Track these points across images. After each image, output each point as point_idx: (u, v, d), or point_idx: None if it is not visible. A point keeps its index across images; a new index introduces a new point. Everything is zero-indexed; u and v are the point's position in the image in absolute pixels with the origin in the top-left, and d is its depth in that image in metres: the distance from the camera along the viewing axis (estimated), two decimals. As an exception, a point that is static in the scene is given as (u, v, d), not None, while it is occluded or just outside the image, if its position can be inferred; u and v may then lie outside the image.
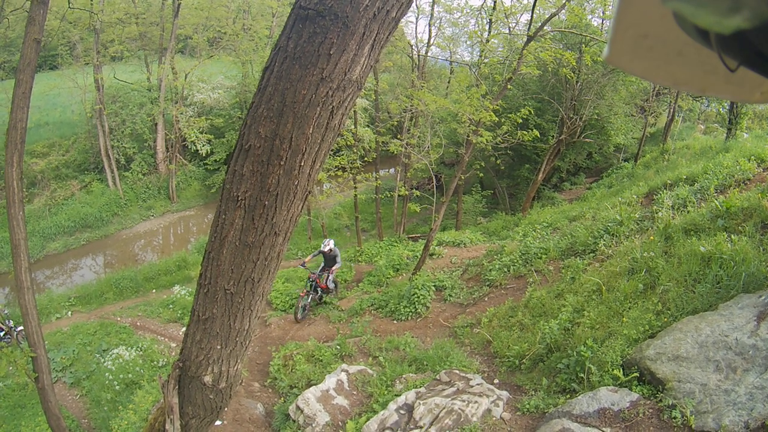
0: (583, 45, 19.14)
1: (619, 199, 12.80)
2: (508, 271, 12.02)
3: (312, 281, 13.79)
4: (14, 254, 5.99)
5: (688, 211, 9.22)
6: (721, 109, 25.65)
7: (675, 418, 5.66)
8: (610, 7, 21.04)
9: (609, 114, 22.65)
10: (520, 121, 15.51)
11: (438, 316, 11.87)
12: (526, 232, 15.16)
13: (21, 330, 13.73)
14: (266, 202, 2.77)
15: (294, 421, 7.81)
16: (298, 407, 7.80)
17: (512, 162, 24.77)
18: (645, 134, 23.42)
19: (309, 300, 13.84)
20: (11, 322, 14.97)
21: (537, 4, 15.31)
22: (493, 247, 14.60)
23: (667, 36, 0.73)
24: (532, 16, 15.35)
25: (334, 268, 14.09)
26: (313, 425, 7.40)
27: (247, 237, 2.91)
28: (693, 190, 10.24)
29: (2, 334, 14.72)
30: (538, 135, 16.56)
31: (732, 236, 7.60)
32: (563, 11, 16.53)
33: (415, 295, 12.41)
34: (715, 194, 9.41)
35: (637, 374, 6.36)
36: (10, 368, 7.08)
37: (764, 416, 5.35)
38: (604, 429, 5.83)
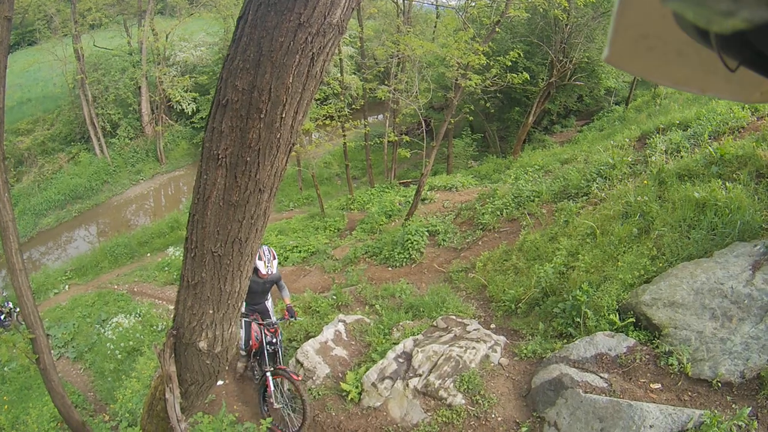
0: None
1: (611, 142, 12.64)
2: (501, 214, 12.00)
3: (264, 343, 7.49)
4: (3, 237, 5.85)
5: (682, 157, 9.14)
6: None
7: (672, 365, 5.70)
8: None
9: (600, 57, 22.16)
10: (509, 64, 15.30)
11: (432, 261, 11.88)
12: (517, 175, 15.09)
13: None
14: (248, 159, 2.64)
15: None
16: (297, 360, 7.83)
17: (502, 105, 24.54)
18: (636, 78, 23.12)
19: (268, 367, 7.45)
20: (11, 304, 14.94)
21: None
22: (485, 190, 14.55)
23: (667, 36, 0.72)
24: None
25: (284, 295, 7.86)
26: (314, 378, 7.44)
27: (231, 196, 2.78)
28: (686, 136, 10.14)
29: (2, 317, 14.68)
30: (528, 78, 16.37)
31: (726, 184, 7.55)
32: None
33: (409, 241, 12.41)
34: (709, 141, 9.32)
35: (633, 319, 6.38)
36: (13, 351, 7.04)
37: (760, 367, 5.37)
38: (601, 374, 5.87)
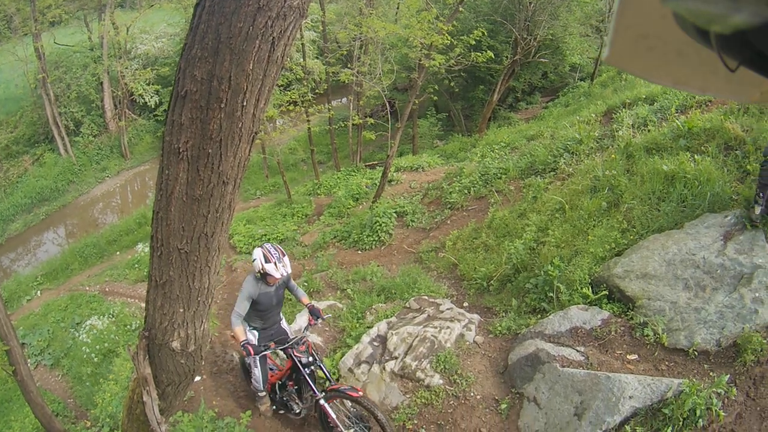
0: None
1: (577, 117, 12.70)
2: (469, 192, 11.94)
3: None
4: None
5: (649, 131, 9.18)
6: None
7: (647, 335, 5.76)
8: None
9: (564, 34, 22.35)
10: (473, 42, 15.24)
11: (402, 242, 11.83)
12: (484, 153, 15.07)
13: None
14: (210, 151, 2.55)
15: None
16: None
17: (466, 84, 24.48)
18: (600, 54, 23.21)
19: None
20: None
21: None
22: (452, 169, 14.51)
23: (667, 36, 0.72)
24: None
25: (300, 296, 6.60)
26: None
27: (194, 190, 2.69)
28: (653, 110, 10.19)
29: None
30: (492, 56, 16.37)
31: (695, 156, 7.62)
32: None
33: (377, 223, 12.32)
34: (676, 114, 9.37)
35: (606, 292, 6.43)
36: (-11, 365, 6.76)
37: (735, 335, 5.46)
38: (578, 348, 5.92)
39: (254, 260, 5.85)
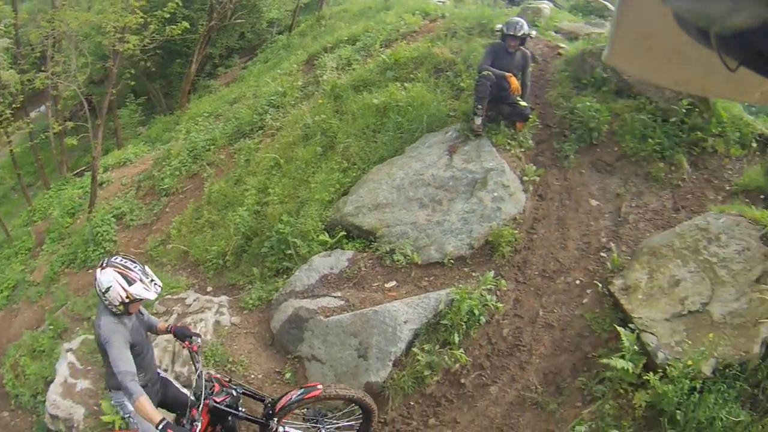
0: None
1: (278, 71, 12.61)
2: (181, 173, 11.18)
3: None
4: None
5: (354, 69, 9.35)
6: None
7: (398, 260, 5.97)
8: None
9: None
10: (168, 16, 14.21)
11: (128, 246, 10.80)
12: (188, 129, 14.13)
13: None
14: None
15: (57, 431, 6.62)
16: (50, 415, 6.54)
17: (163, 61, 22.83)
18: (299, 4, 23.28)
19: None
20: None
21: None
22: (159, 153, 13.52)
23: (667, 36, 0.74)
24: None
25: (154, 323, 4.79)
26: (75, 425, 6.34)
27: None
28: (356, 49, 10.38)
29: None
30: (188, 26, 15.44)
31: (405, 85, 7.91)
32: None
33: (99, 234, 11.03)
34: (381, 50, 9.64)
35: (343, 233, 6.50)
36: None
37: (485, 234, 5.95)
38: (334, 294, 5.92)
39: (107, 289, 3.98)
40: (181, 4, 17.02)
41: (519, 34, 6.79)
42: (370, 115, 7.65)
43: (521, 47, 6.98)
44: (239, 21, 22.26)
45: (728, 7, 0.57)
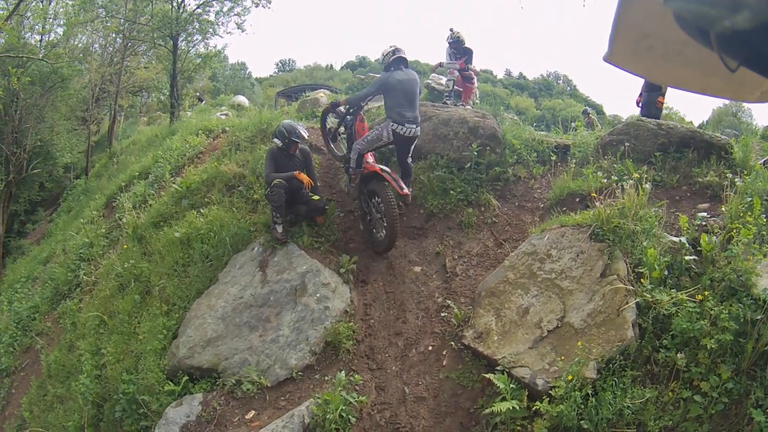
0: (13, 68, 16.67)
1: (81, 220, 12.09)
2: (15, 349, 10.26)
3: None
4: None
5: (151, 205, 9.15)
6: (160, 96, 25.98)
7: (248, 389, 5.75)
8: (49, 21, 19.94)
9: (52, 135, 21.11)
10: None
11: (-18, 437, 9.56)
12: (10, 298, 13.07)
13: None
14: None
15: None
16: None
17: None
18: (90, 144, 22.49)
19: None
20: None
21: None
22: None
23: (667, 36, 0.74)
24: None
25: None
26: None
27: None
28: (149, 183, 10.23)
29: None
30: None
31: (201, 210, 7.81)
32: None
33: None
34: (172, 179, 9.53)
35: (186, 377, 6.15)
36: None
37: (321, 337, 5.98)
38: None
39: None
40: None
41: (301, 140, 7.05)
42: (176, 250, 7.46)
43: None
44: (36, 171, 21.00)
45: (728, 7, 0.59)
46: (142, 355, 6.72)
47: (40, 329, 9.86)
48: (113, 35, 20.37)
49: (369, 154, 7.27)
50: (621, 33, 0.81)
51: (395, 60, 6.89)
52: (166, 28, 15.79)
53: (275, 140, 7.12)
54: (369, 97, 7.17)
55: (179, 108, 18.22)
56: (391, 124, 6.68)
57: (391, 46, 7.04)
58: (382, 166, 6.81)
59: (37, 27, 20.37)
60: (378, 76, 7.72)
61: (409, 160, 7.19)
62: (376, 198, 6.77)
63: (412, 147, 7.08)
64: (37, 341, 9.63)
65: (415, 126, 6.75)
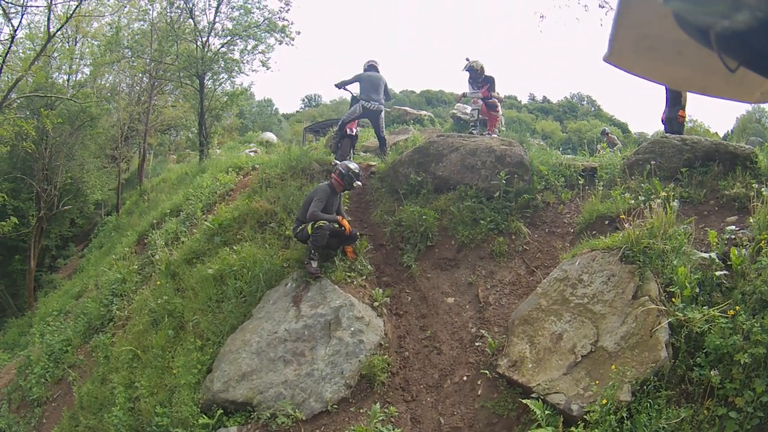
0: (44, 110, 17.20)
1: (113, 256, 12.23)
2: (47, 380, 10.35)
3: None
4: None
5: (183, 242, 9.25)
6: (189, 134, 26.51)
7: (283, 422, 5.72)
8: (76, 61, 20.55)
9: (82, 173, 21.61)
10: (-5, 210, 13.38)
11: (15, 467, 9.71)
12: (42, 331, 13.22)
13: None
14: None
15: None
16: None
17: (2, 258, 21.53)
18: (120, 182, 22.85)
19: None
20: None
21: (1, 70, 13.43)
22: (21, 361, 12.39)
23: (667, 36, 0.73)
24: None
25: None
26: None
27: None
28: (181, 220, 10.34)
29: None
30: (17, 221, 14.59)
31: (234, 247, 7.88)
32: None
33: (-18, 459, 9.94)
34: (204, 216, 9.63)
35: (221, 411, 6.15)
36: None
37: (356, 370, 5.96)
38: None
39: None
40: (8, 196, 16.13)
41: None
42: (210, 287, 7.50)
43: None
44: (67, 207, 21.42)
45: (728, 7, 0.59)
46: (176, 389, 6.75)
47: (73, 362, 9.94)
48: (140, 75, 20.64)
49: (352, 123, 10.50)
50: (621, 33, 0.82)
51: (368, 66, 10.60)
52: (191, 67, 16.03)
53: (335, 176, 7.36)
54: (349, 84, 10.44)
55: (208, 146, 18.43)
56: (362, 101, 10.13)
57: (368, 59, 10.72)
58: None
59: (64, 67, 20.85)
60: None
61: (382, 132, 10.78)
62: None
63: (381, 122, 10.63)
64: (69, 373, 9.71)
65: (378, 103, 10.20)
